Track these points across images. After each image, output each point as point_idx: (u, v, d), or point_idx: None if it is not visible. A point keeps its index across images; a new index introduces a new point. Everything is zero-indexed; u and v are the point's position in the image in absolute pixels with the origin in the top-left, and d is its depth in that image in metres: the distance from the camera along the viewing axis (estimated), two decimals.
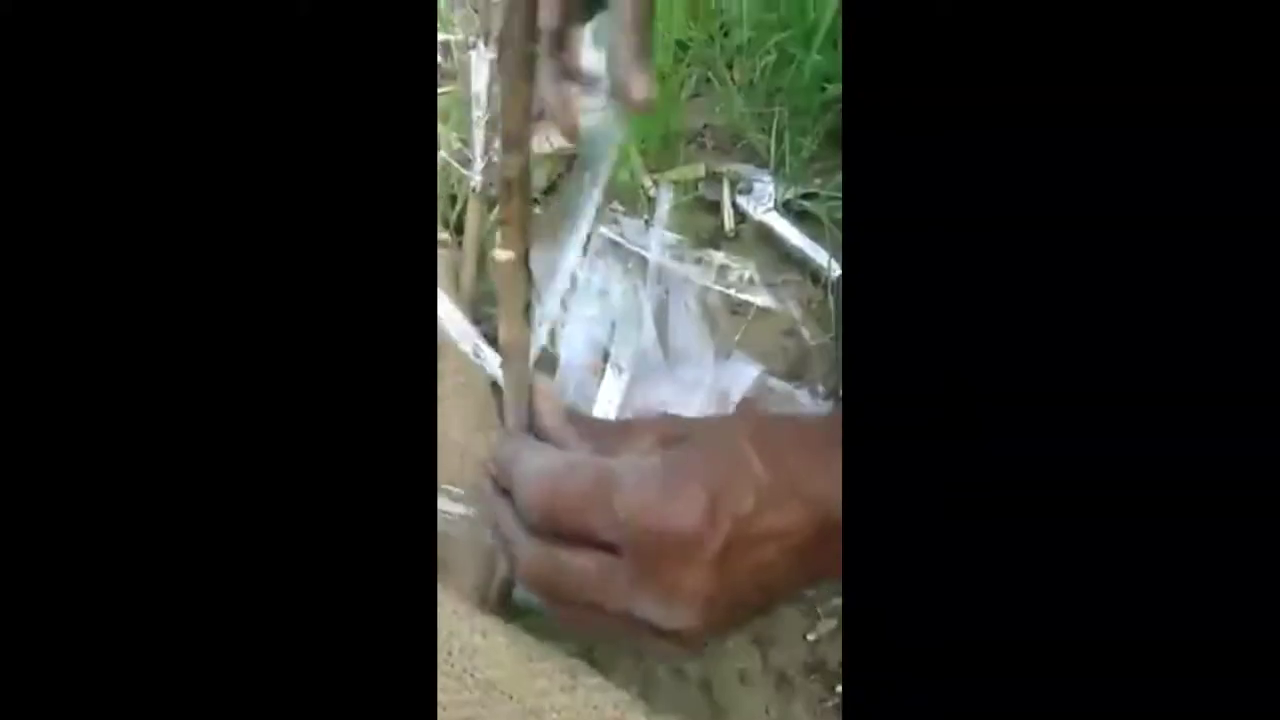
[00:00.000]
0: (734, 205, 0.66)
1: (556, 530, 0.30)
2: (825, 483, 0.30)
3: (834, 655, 0.48)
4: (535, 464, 0.31)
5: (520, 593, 0.45)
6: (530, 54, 0.26)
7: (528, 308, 0.33)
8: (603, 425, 0.34)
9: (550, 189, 0.70)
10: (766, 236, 0.65)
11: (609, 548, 0.30)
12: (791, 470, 0.31)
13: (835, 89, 0.68)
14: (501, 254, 0.30)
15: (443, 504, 0.46)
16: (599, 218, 0.63)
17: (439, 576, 0.42)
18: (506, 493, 0.32)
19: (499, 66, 0.26)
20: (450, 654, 0.36)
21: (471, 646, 0.36)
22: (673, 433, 0.32)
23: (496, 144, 0.68)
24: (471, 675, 0.36)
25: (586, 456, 0.31)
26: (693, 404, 0.55)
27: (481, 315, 0.63)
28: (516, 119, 0.27)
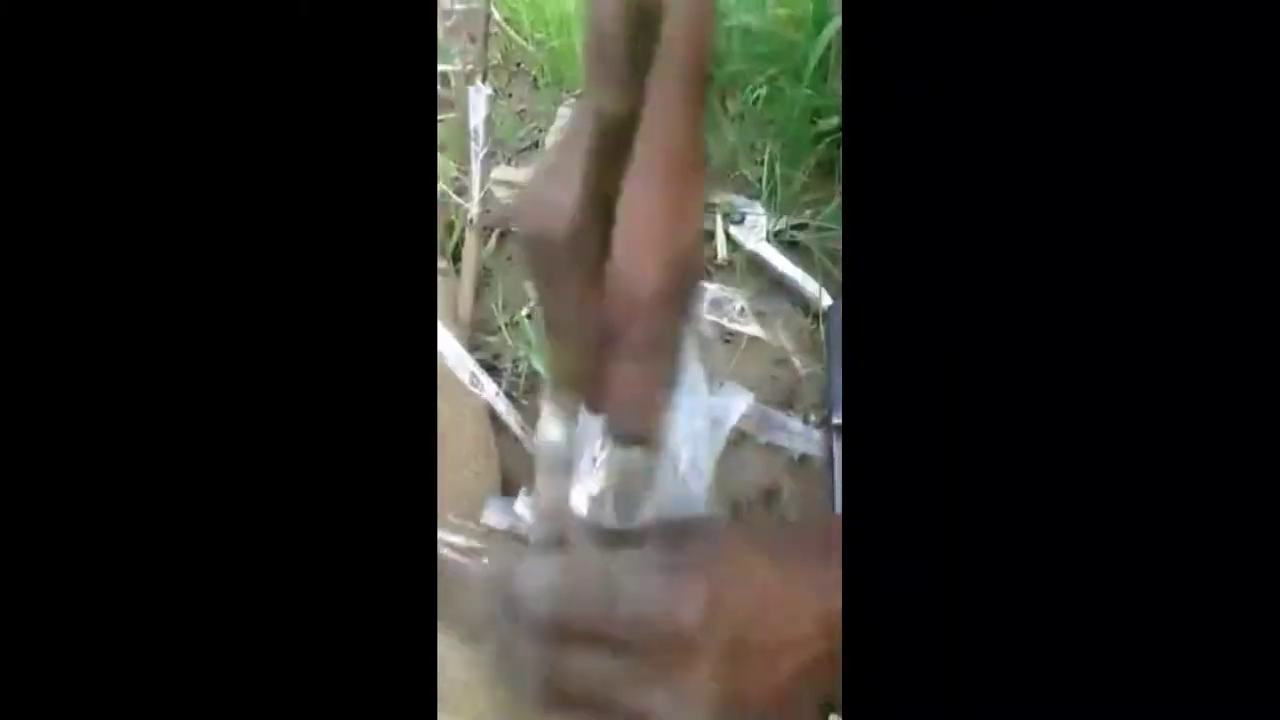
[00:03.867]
0: (727, 235, 0.68)
1: (564, 634, 0.30)
2: (834, 593, 0.29)
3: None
4: (534, 577, 0.30)
5: None
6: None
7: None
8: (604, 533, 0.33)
9: None
10: (758, 267, 0.66)
11: (618, 648, 0.29)
12: (798, 578, 0.31)
13: (825, 123, 0.70)
14: (549, 431, 0.30)
15: (444, 535, 0.47)
16: None
17: (442, 614, 0.43)
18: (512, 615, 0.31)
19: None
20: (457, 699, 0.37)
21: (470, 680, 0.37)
22: (671, 532, 0.32)
23: (493, 174, 0.69)
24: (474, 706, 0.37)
25: (585, 559, 0.31)
26: (686, 434, 0.55)
27: (479, 343, 0.64)
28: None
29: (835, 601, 0.29)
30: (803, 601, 0.30)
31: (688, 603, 0.28)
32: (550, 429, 0.29)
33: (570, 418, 0.29)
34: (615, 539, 0.32)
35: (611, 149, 0.28)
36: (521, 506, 0.51)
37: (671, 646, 0.28)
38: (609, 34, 0.27)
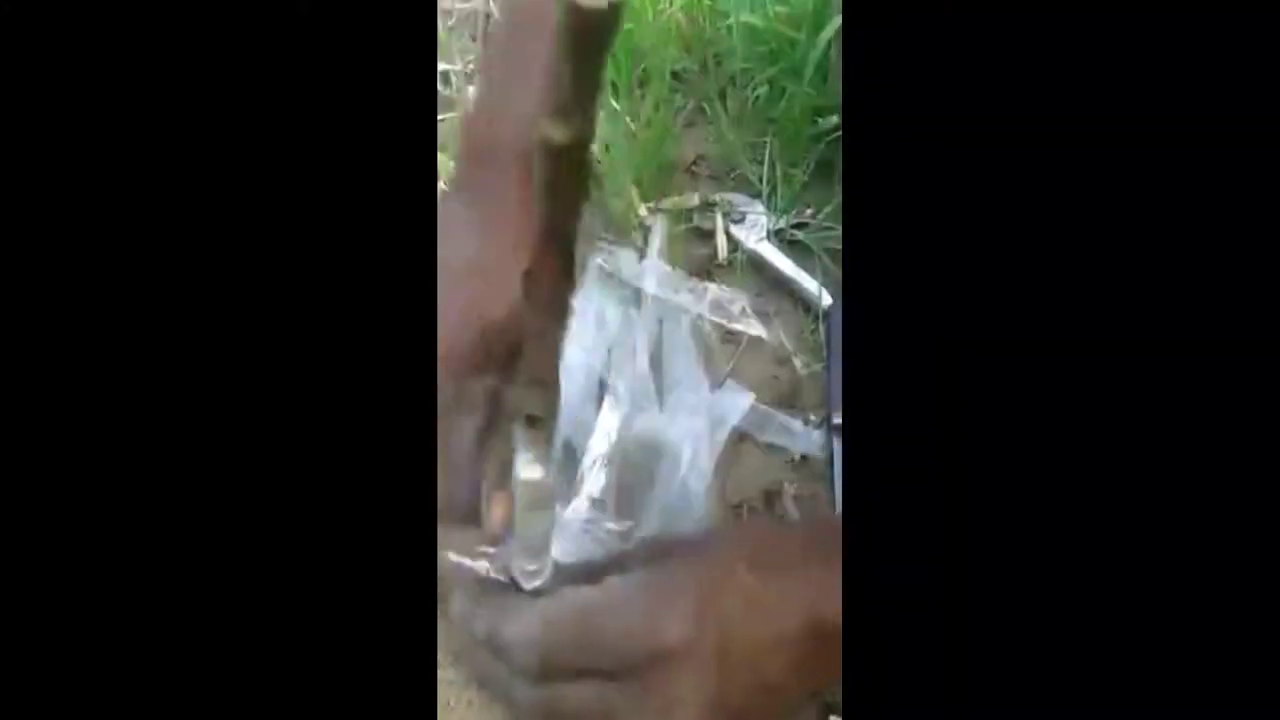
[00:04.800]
0: (727, 234, 0.67)
1: (555, 674, 0.30)
2: (822, 593, 0.30)
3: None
4: (519, 626, 0.31)
5: None
6: (564, 296, 0.24)
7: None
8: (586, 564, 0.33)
9: None
10: (759, 266, 0.66)
11: (608, 675, 0.30)
12: (785, 580, 0.31)
13: (826, 121, 0.70)
14: (528, 471, 0.28)
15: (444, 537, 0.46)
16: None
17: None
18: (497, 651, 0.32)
19: (529, 306, 0.23)
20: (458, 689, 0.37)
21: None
22: (657, 551, 0.32)
23: None
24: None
25: (565, 596, 0.31)
26: (687, 433, 0.55)
27: None
28: (544, 361, 0.25)
29: (824, 600, 0.29)
30: (789, 601, 0.30)
31: (671, 620, 0.29)
32: (527, 469, 0.28)
33: (546, 453, 0.28)
34: (597, 570, 0.32)
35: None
36: None
37: (656, 665, 0.29)
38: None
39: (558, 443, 0.29)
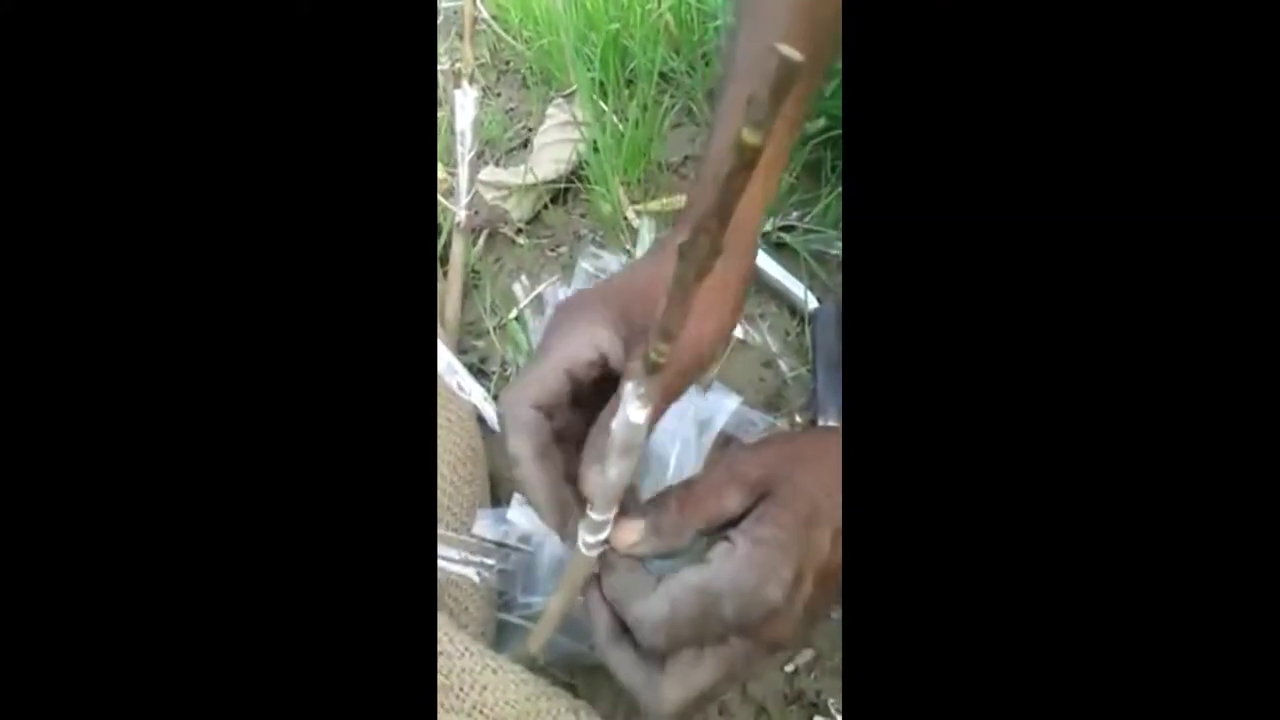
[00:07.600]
0: None
1: (682, 645, 0.33)
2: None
3: (812, 686, 0.49)
4: (648, 607, 0.33)
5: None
6: (709, 264, 0.26)
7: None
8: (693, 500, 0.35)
9: (534, 219, 0.71)
10: None
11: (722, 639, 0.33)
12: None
13: (813, 124, 0.70)
14: (635, 414, 0.29)
15: (446, 549, 0.46)
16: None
17: (454, 619, 0.43)
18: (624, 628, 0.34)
19: (679, 267, 0.25)
20: (461, 690, 0.37)
21: (481, 683, 0.37)
22: (753, 480, 0.34)
23: (481, 176, 0.69)
24: (481, 712, 0.36)
25: (685, 578, 0.33)
26: (674, 436, 0.55)
27: (466, 346, 0.64)
28: (677, 316, 0.27)
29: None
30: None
31: (778, 587, 0.31)
32: (635, 412, 0.29)
33: (649, 406, 0.29)
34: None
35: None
36: (515, 515, 0.50)
37: (768, 620, 0.32)
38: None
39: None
